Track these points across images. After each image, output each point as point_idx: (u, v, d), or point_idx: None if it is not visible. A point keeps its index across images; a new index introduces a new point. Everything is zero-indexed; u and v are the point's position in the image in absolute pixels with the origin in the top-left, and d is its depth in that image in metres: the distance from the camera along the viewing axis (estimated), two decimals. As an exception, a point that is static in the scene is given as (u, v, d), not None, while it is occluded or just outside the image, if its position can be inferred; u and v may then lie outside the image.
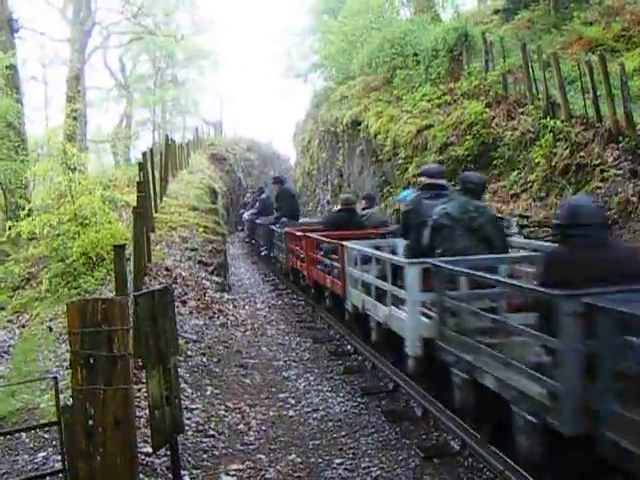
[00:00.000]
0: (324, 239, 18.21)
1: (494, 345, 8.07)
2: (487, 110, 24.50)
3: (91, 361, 6.50)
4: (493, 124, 23.93)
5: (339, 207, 20.79)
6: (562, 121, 20.55)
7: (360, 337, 15.36)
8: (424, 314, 10.42)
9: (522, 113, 23.25)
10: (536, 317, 7.69)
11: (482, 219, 10.86)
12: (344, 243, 15.10)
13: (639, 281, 6.79)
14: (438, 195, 12.20)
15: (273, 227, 27.50)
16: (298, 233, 21.33)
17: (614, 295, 6.40)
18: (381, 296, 12.27)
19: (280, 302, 23.97)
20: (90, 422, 6.51)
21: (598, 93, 19.27)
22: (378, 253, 13.49)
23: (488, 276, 8.74)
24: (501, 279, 9.42)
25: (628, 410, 5.84)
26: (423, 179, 13.26)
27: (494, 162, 23.22)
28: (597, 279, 6.89)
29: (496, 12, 34.74)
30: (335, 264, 16.34)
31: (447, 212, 10.88)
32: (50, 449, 9.56)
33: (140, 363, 9.77)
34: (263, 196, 36.65)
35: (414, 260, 10.71)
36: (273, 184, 31.05)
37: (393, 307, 11.41)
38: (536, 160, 20.92)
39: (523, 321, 8.00)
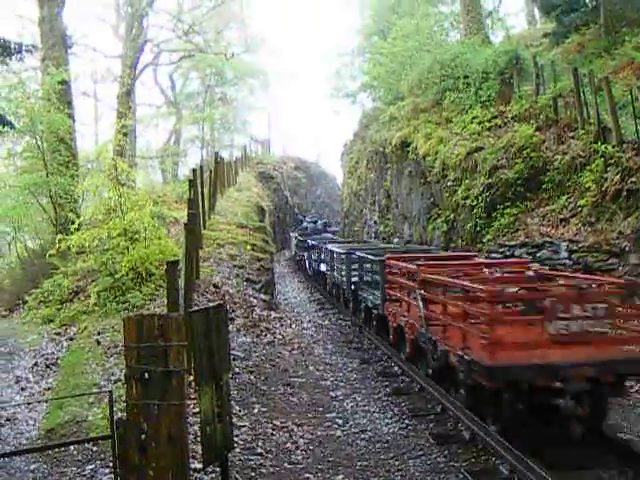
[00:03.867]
0: (295, 235, 49.97)
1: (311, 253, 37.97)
2: (537, 134, 24.36)
3: (146, 376, 6.59)
4: (543, 148, 23.78)
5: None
6: (613, 146, 20.38)
7: (297, 264, 47.30)
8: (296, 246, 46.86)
9: (573, 137, 23.10)
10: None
11: (319, 227, 54.97)
12: (291, 234, 53.59)
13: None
14: (312, 221, 58.23)
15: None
16: (291, 234, 53.67)
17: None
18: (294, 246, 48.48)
19: (327, 322, 24.04)
20: (143, 437, 6.58)
21: (650, 118, 19.15)
22: (294, 235, 49.75)
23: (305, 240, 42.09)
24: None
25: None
26: (307, 218, 61.45)
27: (544, 186, 23.09)
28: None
29: (546, 35, 34.56)
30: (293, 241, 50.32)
31: (308, 224, 56.76)
32: (98, 462, 9.69)
33: (189, 379, 9.87)
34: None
35: (294, 235, 49.90)
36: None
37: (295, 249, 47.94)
38: (586, 185, 20.75)
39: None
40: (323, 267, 31.15)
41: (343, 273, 24.26)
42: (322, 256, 31.61)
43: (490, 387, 10.46)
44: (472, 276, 13.94)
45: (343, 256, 24.59)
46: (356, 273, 22.87)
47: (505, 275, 14.66)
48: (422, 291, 13.55)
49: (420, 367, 14.78)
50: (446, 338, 12.28)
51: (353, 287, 22.75)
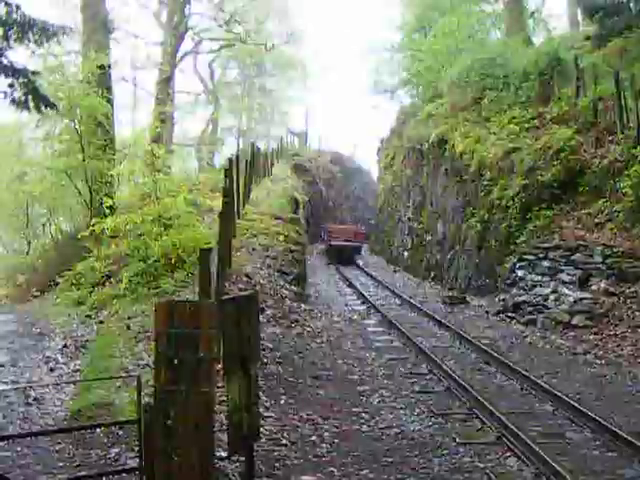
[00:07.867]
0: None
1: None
2: (576, 136, 24.18)
3: (175, 362, 6.58)
4: (581, 151, 23.61)
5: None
6: (652, 152, 20.25)
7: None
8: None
9: (611, 141, 22.95)
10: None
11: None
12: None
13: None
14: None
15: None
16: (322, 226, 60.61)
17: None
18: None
19: (356, 316, 23.97)
20: (170, 422, 6.58)
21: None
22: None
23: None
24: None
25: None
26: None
27: (580, 189, 22.93)
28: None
29: (588, 38, 34.25)
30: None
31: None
32: (123, 446, 9.70)
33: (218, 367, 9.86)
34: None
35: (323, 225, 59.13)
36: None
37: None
38: (623, 190, 20.60)
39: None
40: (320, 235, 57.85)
41: (322, 233, 53.63)
42: (322, 231, 55.36)
43: (331, 249, 48.46)
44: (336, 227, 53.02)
45: (321, 228, 54.88)
46: (323, 231, 52.76)
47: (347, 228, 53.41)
48: (328, 232, 50.29)
49: (325, 249, 50.68)
50: (327, 239, 49.88)
51: (325, 237, 51.54)
